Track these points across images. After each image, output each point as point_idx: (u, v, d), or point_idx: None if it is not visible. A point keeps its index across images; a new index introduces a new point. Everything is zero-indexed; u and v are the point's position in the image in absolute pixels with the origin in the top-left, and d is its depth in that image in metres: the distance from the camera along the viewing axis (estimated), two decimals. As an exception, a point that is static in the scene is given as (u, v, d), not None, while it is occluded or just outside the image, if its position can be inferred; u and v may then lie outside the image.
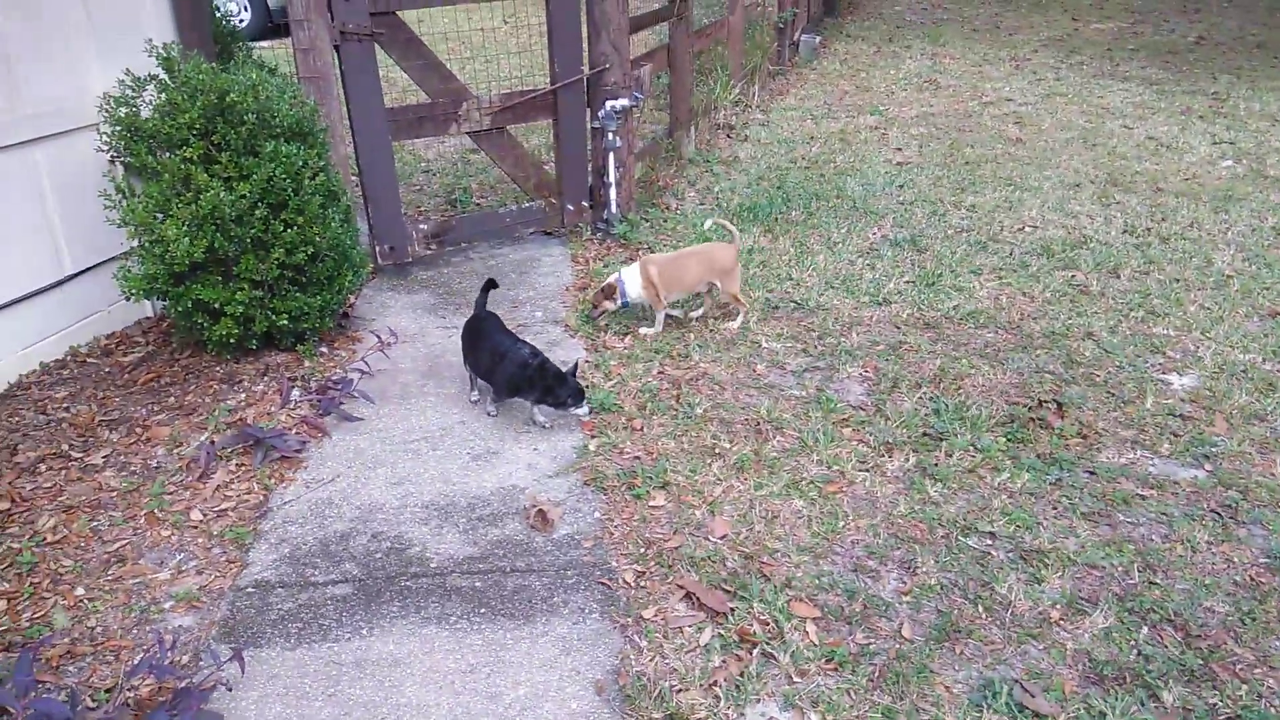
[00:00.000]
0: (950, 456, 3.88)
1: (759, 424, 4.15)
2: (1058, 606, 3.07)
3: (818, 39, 12.93)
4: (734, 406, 4.31)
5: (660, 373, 4.65)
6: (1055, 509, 3.58)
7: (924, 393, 4.38)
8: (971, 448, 3.93)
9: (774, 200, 6.94)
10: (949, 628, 2.96)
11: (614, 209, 6.42)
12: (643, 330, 5.11)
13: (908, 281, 5.64)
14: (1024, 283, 5.61)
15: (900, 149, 8.46)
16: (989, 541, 3.39)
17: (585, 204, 6.50)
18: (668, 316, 5.13)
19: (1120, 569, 3.26)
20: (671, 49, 7.83)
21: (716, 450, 3.98)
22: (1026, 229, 6.50)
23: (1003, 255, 6.03)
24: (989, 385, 4.45)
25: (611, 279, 5.00)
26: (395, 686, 2.81)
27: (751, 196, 7.08)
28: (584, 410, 4.13)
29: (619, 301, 4.99)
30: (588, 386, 4.50)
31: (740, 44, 9.78)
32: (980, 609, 3.05)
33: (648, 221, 6.65)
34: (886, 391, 4.40)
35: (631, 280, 4.94)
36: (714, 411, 4.27)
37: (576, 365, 4.15)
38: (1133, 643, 2.93)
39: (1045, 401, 4.25)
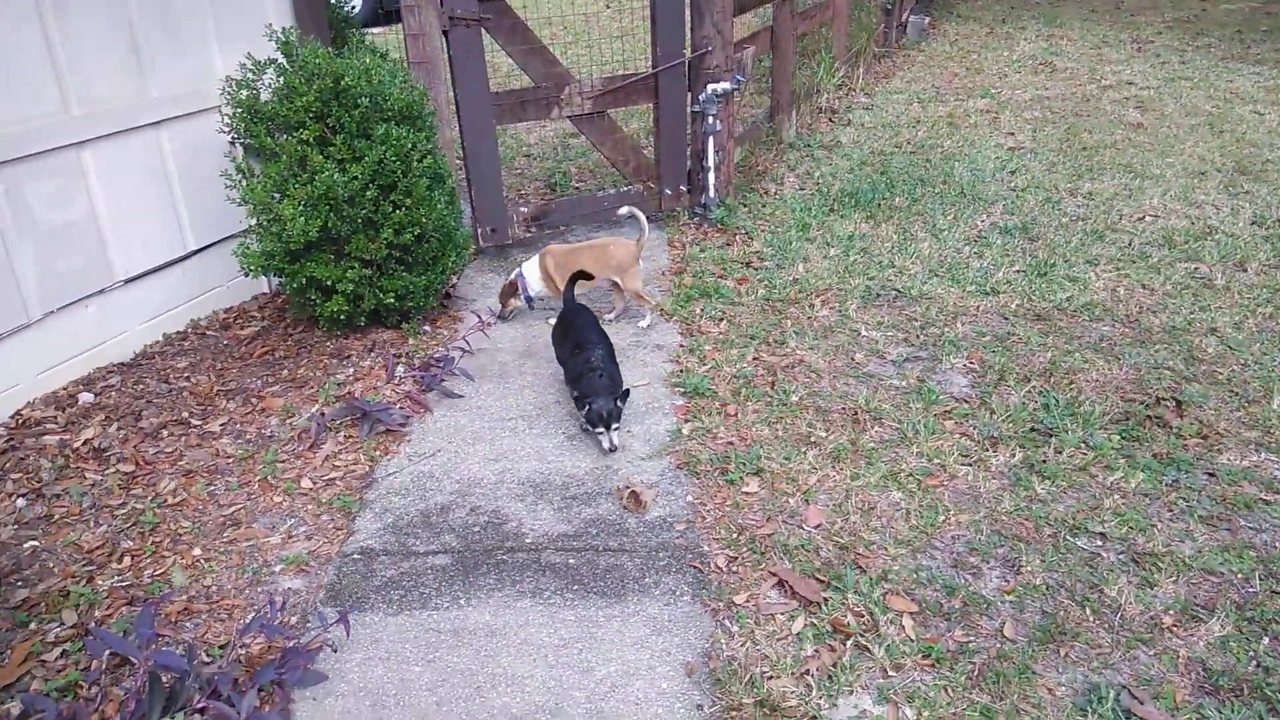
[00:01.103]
0: (1060, 453, 3.73)
1: (857, 413, 4.08)
2: (1171, 612, 2.93)
3: (926, 20, 12.55)
4: (831, 395, 4.24)
5: (755, 359, 4.61)
6: (1171, 511, 3.41)
7: (1033, 386, 4.22)
8: (1083, 445, 3.77)
9: (877, 186, 6.79)
10: (1054, 629, 2.86)
11: (712, 193, 6.38)
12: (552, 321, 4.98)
13: (1018, 271, 5.44)
14: (1143, 274, 5.35)
15: (1012, 133, 8.16)
16: (1099, 542, 3.25)
17: (683, 188, 6.48)
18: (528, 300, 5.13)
19: (1240, 576, 3.09)
20: (775, 31, 7.72)
21: (812, 439, 3.92)
22: (1147, 218, 6.19)
23: (1121, 245, 5.76)
24: (1103, 381, 4.26)
25: (513, 275, 5.05)
26: (491, 656, 2.88)
27: (853, 182, 6.94)
28: (604, 442, 3.86)
29: (523, 297, 5.04)
30: (680, 372, 4.50)
31: (846, 25, 9.58)
32: (1088, 611, 2.93)
33: (745, 206, 6.60)
34: (993, 384, 4.26)
35: (531, 274, 4.98)
36: (810, 399, 4.21)
37: (627, 391, 3.90)
38: (1252, 654, 2.78)
39: (1163, 399, 4.05)
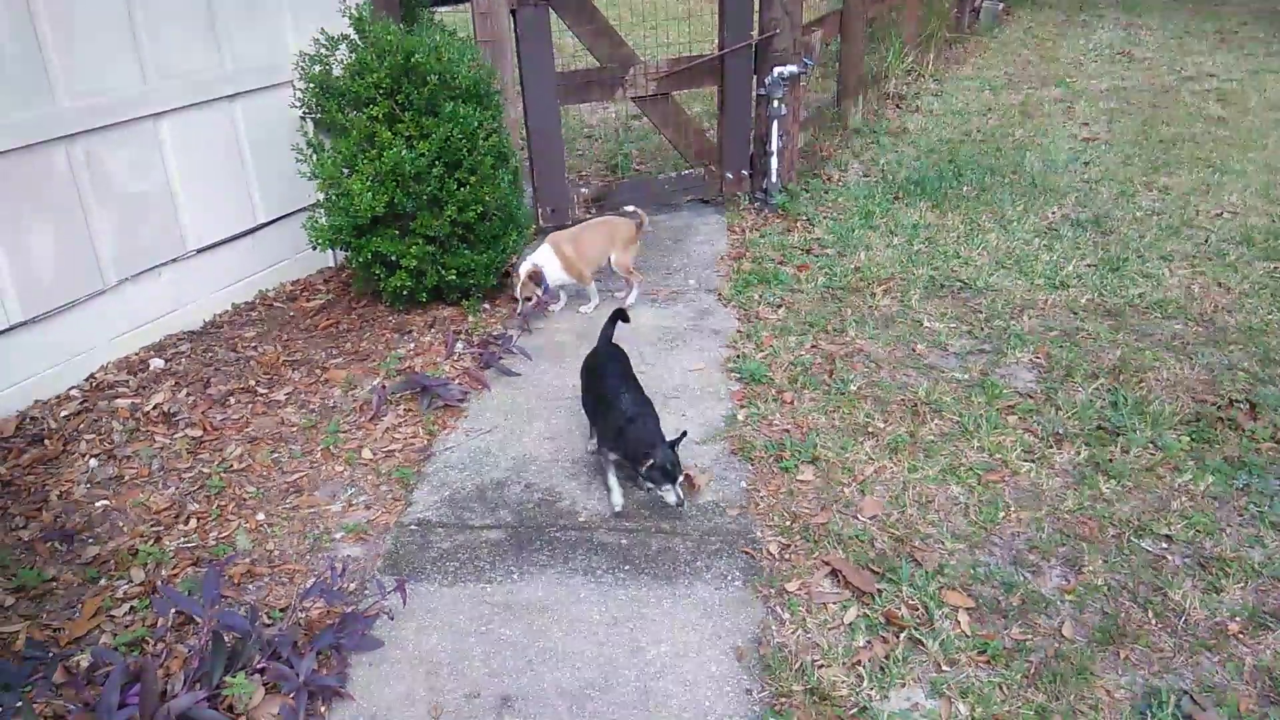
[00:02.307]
0: (1127, 453, 3.64)
1: (916, 405, 4.02)
2: (1237, 619, 2.84)
3: (1001, 6, 12.25)
4: (890, 385, 4.19)
5: (814, 346, 4.56)
6: (1241, 516, 3.30)
7: (1101, 384, 4.12)
8: (1151, 445, 3.67)
9: (944, 174, 6.66)
10: (1115, 631, 2.79)
11: (774, 178, 6.32)
12: (582, 309, 5.08)
13: (1088, 265, 5.30)
14: (1220, 272, 5.17)
15: (1087, 124, 7.93)
16: (1164, 545, 3.16)
17: (745, 173, 6.43)
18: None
19: (1314, 587, 2.98)
20: (845, 14, 7.60)
21: (869, 429, 3.88)
22: (1225, 215, 5.98)
23: (1197, 242, 5.57)
24: (1174, 380, 4.14)
25: (527, 268, 4.78)
26: (542, 631, 2.91)
27: (919, 170, 6.82)
28: (670, 497, 3.30)
29: (543, 289, 4.79)
30: (737, 358, 4.47)
31: (917, 10, 9.39)
32: (1150, 614, 2.86)
33: (808, 193, 6.52)
34: (1059, 380, 4.17)
35: (550, 265, 4.80)
36: (869, 389, 4.16)
37: (682, 436, 3.36)
38: (1325, 668, 2.68)
39: (1237, 401, 3.92)
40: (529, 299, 4.78)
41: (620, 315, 3.99)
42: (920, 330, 4.68)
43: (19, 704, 2.53)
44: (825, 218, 6.11)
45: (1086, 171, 6.77)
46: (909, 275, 5.23)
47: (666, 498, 3.30)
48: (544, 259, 4.78)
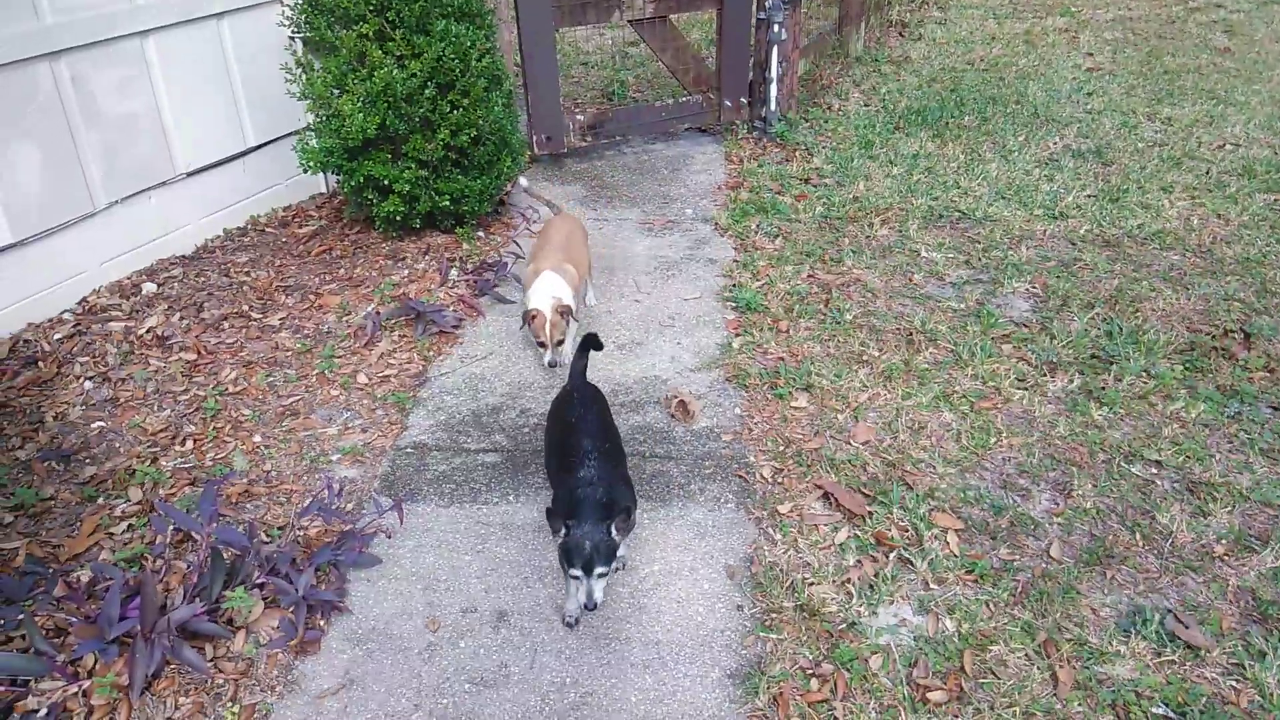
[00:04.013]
0: (1120, 381, 3.65)
1: (911, 334, 4.02)
2: (1223, 542, 2.88)
3: (1006, -67, 11.92)
4: (886, 315, 4.18)
5: (810, 276, 4.54)
6: (1231, 443, 3.33)
7: (1097, 314, 4.11)
8: (1145, 374, 3.68)
9: (945, 104, 6.56)
10: (1102, 552, 2.83)
11: (773, 106, 6.22)
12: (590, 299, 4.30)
13: (1088, 196, 5.26)
14: (1219, 204, 5.13)
15: (1091, 54, 7.79)
16: (1154, 470, 3.20)
17: (743, 100, 6.32)
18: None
19: (1300, 512, 3.02)
20: (847, -62, 7.40)
21: (864, 358, 3.88)
22: (1227, 147, 5.91)
23: (1198, 174, 5.52)
24: (1170, 310, 4.14)
25: (550, 303, 3.70)
26: (538, 550, 2.94)
27: (921, 99, 6.71)
28: (580, 594, 2.50)
29: (571, 316, 3.81)
30: (733, 287, 4.44)
31: (921, -65, 9.15)
32: (1138, 537, 2.90)
33: (807, 121, 6.43)
34: (1055, 310, 4.16)
35: (564, 290, 3.78)
36: (864, 319, 4.16)
37: (627, 514, 2.52)
38: (1306, 588, 2.73)
39: (1231, 331, 3.93)
40: (560, 341, 3.76)
41: (592, 342, 3.28)
42: (918, 260, 4.65)
43: (20, 617, 2.57)
44: (824, 147, 6.04)
45: (1089, 102, 6.68)
46: (907, 205, 5.19)
47: (573, 589, 2.57)
48: (559, 289, 3.78)
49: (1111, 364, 3.76)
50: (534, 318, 3.68)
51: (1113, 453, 3.28)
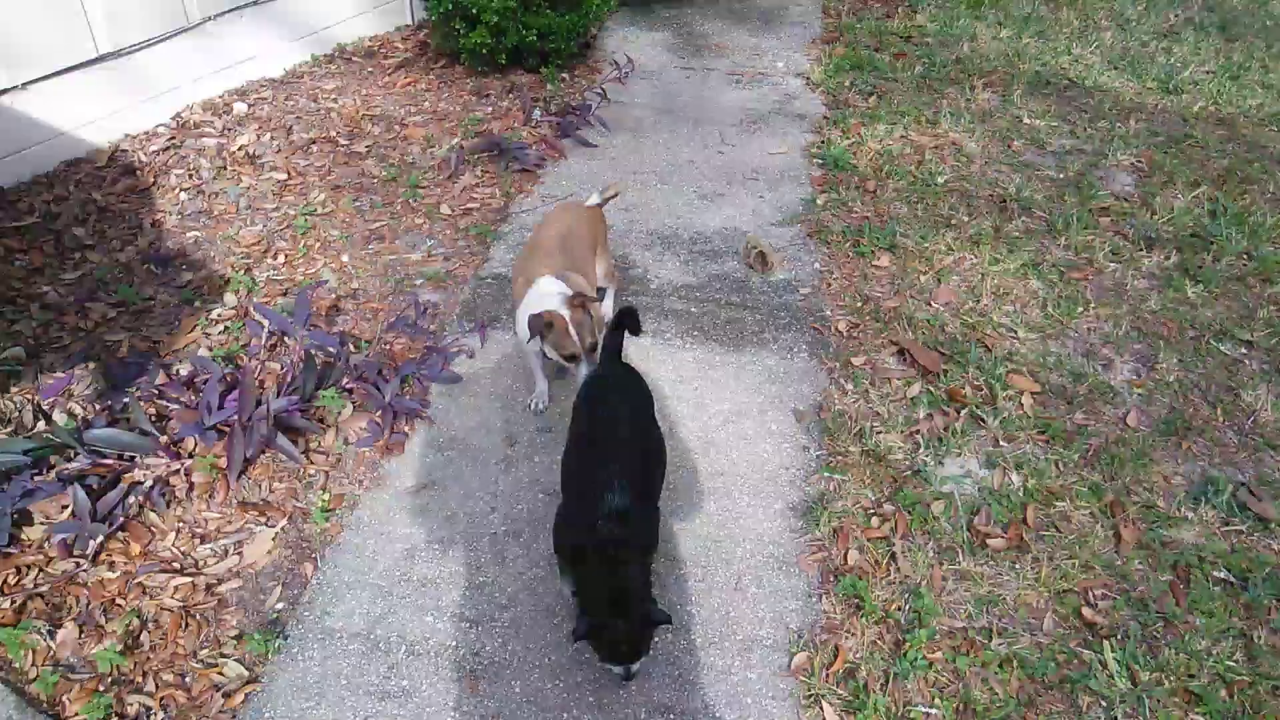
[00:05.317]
0: (1218, 261, 3.51)
1: (1005, 201, 3.89)
2: (1310, 426, 2.83)
3: None
4: (980, 180, 4.04)
5: (903, 137, 4.39)
6: (1330, 332, 3.22)
7: (1202, 192, 3.92)
8: (1245, 255, 3.54)
9: (1064, -34, 6.13)
10: (1180, 424, 2.80)
11: (879, -41, 5.88)
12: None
13: (1207, 71, 4.94)
14: (1354, 88, 4.78)
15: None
16: (1244, 350, 3.11)
17: (848, -49, 5.98)
18: None
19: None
20: None
21: (953, 222, 3.78)
22: (1373, 28, 5.46)
23: (1334, 54, 5.13)
24: (1281, 194, 3.94)
25: (561, 302, 2.58)
26: (612, 381, 3.00)
27: (1037, -40, 6.27)
28: (620, 670, 2.06)
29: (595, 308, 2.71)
30: (821, 144, 4.31)
31: None
32: (1219, 412, 2.85)
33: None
34: (1159, 186, 3.98)
35: (563, 288, 2.69)
36: (957, 183, 4.03)
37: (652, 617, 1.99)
38: (1390, 477, 2.68)
39: (1348, 220, 3.73)
40: (595, 345, 2.62)
41: (629, 319, 2.56)
42: (1019, 127, 4.46)
43: (126, 400, 2.73)
44: (929, 4, 5.73)
45: (1223, -28, 6.18)
46: (1014, 70, 4.94)
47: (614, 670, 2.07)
48: (564, 289, 2.68)
49: (1211, 244, 3.61)
50: (551, 323, 2.54)
51: (1203, 330, 3.19)
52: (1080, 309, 3.28)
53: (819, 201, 3.95)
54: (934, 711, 2.06)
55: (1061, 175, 4.07)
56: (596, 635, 1.97)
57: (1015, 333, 3.19)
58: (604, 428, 2.26)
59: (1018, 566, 2.37)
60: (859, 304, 3.36)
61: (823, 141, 4.39)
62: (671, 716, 2.08)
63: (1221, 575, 2.34)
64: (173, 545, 2.44)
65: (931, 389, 2.95)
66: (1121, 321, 3.23)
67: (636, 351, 3.12)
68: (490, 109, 4.66)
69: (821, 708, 2.08)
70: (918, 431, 2.78)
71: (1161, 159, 4.16)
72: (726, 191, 4.08)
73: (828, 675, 2.14)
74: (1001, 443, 2.75)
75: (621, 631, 1.96)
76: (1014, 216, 3.79)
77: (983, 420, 2.82)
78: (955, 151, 4.26)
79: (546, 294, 2.62)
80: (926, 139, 4.36)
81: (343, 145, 4.28)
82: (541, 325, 2.51)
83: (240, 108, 4.46)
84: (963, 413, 2.85)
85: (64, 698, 2.11)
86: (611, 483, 2.07)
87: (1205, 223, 3.73)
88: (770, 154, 4.34)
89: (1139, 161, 4.16)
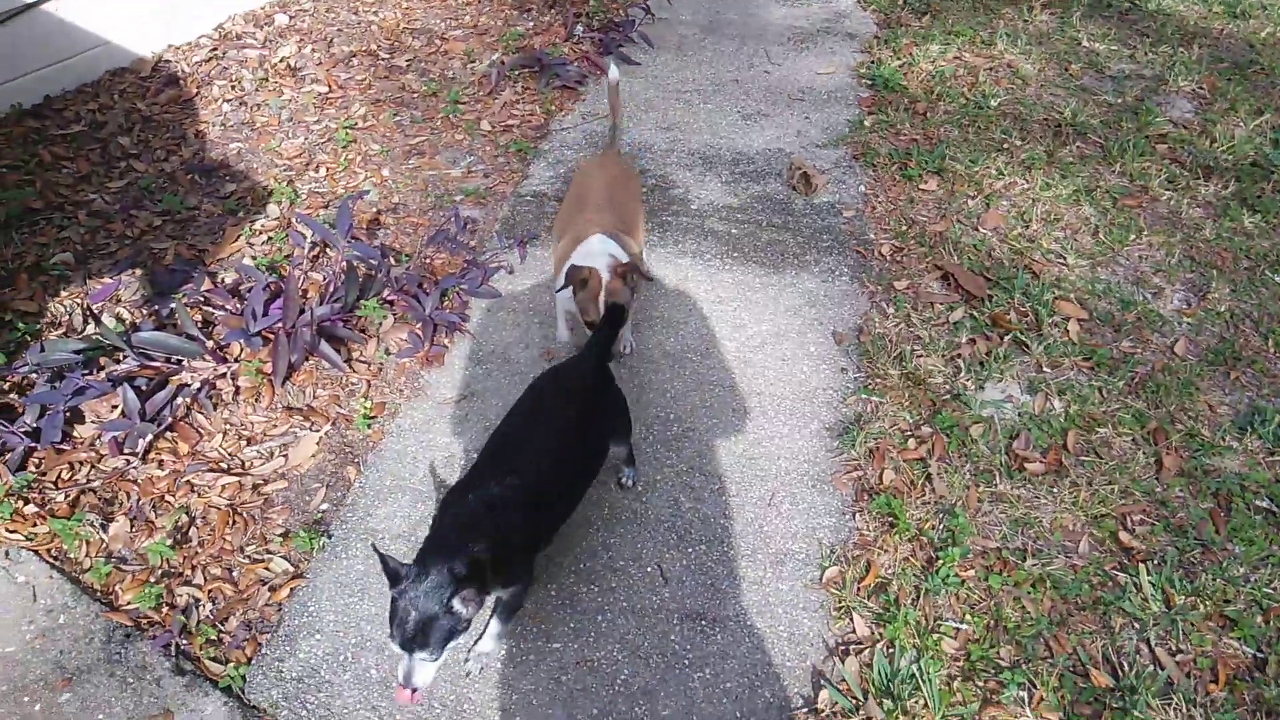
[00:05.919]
0: (1278, 192, 3.40)
1: (1060, 125, 3.77)
2: (1364, 362, 2.76)
3: None
4: (1034, 104, 3.92)
5: (957, 58, 4.26)
6: (1394, 268, 3.11)
7: (1264, 121, 3.78)
8: (1309, 186, 3.42)
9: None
10: (1229, 354, 2.74)
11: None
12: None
13: (1280, -6, 4.71)
14: None
15: None
16: (1302, 282, 3.03)
17: None
18: None
19: None
20: None
21: (1005, 146, 3.68)
22: None
23: None
24: (1353, 123, 3.78)
25: (605, 263, 2.42)
26: (650, 300, 3.00)
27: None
28: (399, 670, 1.74)
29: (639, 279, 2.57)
30: (871, 64, 4.19)
31: None
32: (1270, 343, 2.79)
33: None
34: (1220, 113, 3.83)
35: (619, 254, 2.53)
36: (1010, 106, 3.91)
37: (481, 583, 1.76)
38: None
39: None
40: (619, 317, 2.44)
41: (618, 315, 2.37)
42: (1077, 50, 4.30)
43: (173, 306, 2.78)
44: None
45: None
46: (1070, -8, 4.75)
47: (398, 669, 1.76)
48: (617, 252, 2.53)
49: (1272, 173, 3.48)
50: (586, 280, 2.41)
51: (1258, 260, 3.10)
52: (1132, 236, 3.20)
53: (866, 123, 3.86)
54: (965, 626, 2.08)
55: (1119, 100, 3.93)
56: (391, 605, 1.70)
57: (1064, 259, 3.12)
58: (540, 418, 2.07)
59: (1055, 490, 2.36)
60: (904, 228, 3.30)
61: (873, 61, 4.27)
62: (704, 623, 2.12)
63: (1264, 504, 2.32)
64: (220, 446, 2.51)
65: (975, 314, 2.91)
66: (1174, 250, 3.14)
67: (674, 272, 3.10)
68: (531, 24, 4.58)
69: (852, 619, 2.11)
70: (959, 356, 2.75)
71: (1224, 85, 4.00)
72: (771, 112, 4.00)
73: (859, 589, 2.16)
74: (1045, 369, 2.71)
75: (429, 605, 1.67)
76: (1068, 141, 3.68)
77: (1026, 346, 2.78)
78: (1010, 74, 4.12)
79: (595, 254, 2.46)
80: (981, 60, 4.22)
81: (383, 59, 4.24)
82: (578, 279, 2.41)
83: (281, 19, 4.43)
84: (1006, 338, 2.81)
85: (116, 587, 2.20)
86: (515, 469, 1.91)
87: (1267, 151, 3.59)
88: (818, 74, 4.24)
89: (1200, 88, 4.00)
